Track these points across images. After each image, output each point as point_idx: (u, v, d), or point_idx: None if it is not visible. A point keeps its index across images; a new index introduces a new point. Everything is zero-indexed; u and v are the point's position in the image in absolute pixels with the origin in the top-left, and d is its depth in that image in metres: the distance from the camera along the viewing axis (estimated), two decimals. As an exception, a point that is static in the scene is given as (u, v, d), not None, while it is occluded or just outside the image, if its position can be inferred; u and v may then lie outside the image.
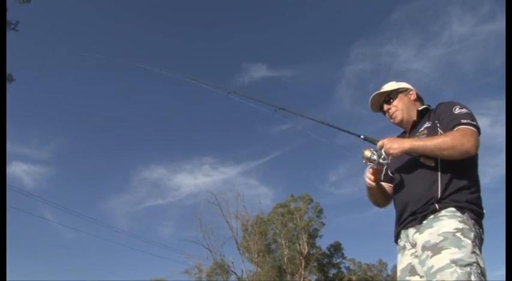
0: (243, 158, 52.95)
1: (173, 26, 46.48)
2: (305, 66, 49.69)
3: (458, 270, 1.71)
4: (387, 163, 2.09)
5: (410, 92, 2.36)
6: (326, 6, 46.00)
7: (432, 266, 1.79)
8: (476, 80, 43.66)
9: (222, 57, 47.54)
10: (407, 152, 2.03)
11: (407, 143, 2.02)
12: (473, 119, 2.02)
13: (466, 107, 2.09)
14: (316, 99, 46.89)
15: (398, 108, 2.30)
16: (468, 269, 1.72)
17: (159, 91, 45.41)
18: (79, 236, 36.95)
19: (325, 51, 49.06)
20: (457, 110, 2.06)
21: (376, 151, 2.07)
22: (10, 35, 12.91)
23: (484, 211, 2.00)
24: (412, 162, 2.13)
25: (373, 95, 2.38)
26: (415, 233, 1.98)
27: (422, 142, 2.00)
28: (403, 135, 2.33)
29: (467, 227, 1.85)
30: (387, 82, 2.45)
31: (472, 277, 1.71)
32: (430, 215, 1.94)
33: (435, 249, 1.82)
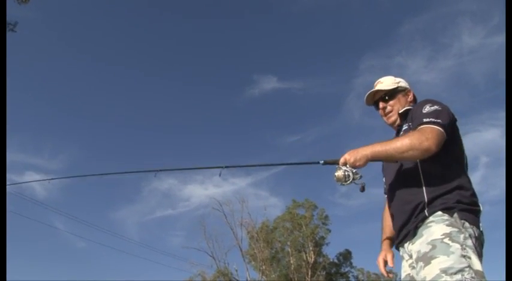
0: (253, 169, 52.70)
1: (181, 38, 46.94)
2: (315, 79, 48.99)
3: (449, 279, 1.68)
4: (360, 177, 1.97)
5: (408, 93, 2.31)
6: (336, 19, 45.89)
7: (425, 278, 1.77)
8: (487, 91, 43.08)
9: (233, 68, 47.68)
10: (371, 160, 1.96)
11: (368, 151, 1.95)
12: (438, 116, 1.97)
13: (437, 104, 2.05)
14: (326, 111, 47.09)
15: (394, 109, 2.26)
16: (459, 276, 1.68)
17: (169, 103, 45.91)
18: (90, 246, 37.07)
19: (335, 64, 48.41)
20: (425, 109, 2.03)
21: (347, 170, 1.95)
22: (12, 37, 13.06)
23: (481, 208, 1.95)
24: (396, 166, 2.11)
25: (370, 91, 2.33)
26: (409, 244, 1.97)
27: (382, 146, 1.94)
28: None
29: (455, 229, 1.81)
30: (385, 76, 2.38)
31: None
32: (420, 223, 1.91)
33: (426, 259, 1.79)
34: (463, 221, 1.85)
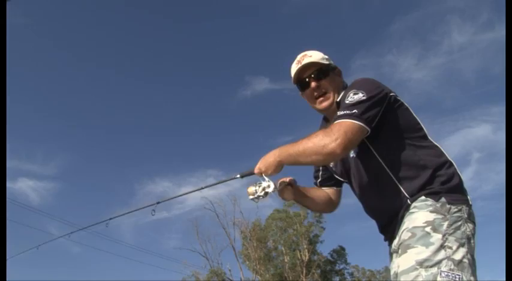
0: (247, 169, 52.79)
1: (175, 38, 46.90)
2: (307, 79, 48.78)
3: (423, 273, 1.55)
4: (275, 188, 1.81)
5: (338, 73, 2.00)
6: (327, 19, 46.31)
7: (398, 266, 1.65)
8: (477, 87, 43.66)
9: (225, 70, 47.92)
10: (286, 164, 1.76)
11: (276, 155, 1.75)
12: (355, 107, 1.70)
13: (362, 89, 1.75)
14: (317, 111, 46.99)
15: (329, 91, 1.92)
16: (435, 269, 1.55)
17: (163, 105, 45.87)
18: (85, 251, 37.04)
19: (327, 63, 48.52)
20: (348, 98, 1.74)
21: (260, 184, 1.81)
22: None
23: (463, 181, 1.78)
24: (356, 165, 1.90)
25: (300, 64, 1.94)
26: (396, 238, 1.80)
27: (288, 150, 1.72)
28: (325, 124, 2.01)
29: (439, 216, 1.64)
30: (310, 50, 2.01)
31: (438, 278, 1.53)
32: (405, 212, 1.74)
33: (403, 247, 1.66)
34: (449, 206, 1.67)
